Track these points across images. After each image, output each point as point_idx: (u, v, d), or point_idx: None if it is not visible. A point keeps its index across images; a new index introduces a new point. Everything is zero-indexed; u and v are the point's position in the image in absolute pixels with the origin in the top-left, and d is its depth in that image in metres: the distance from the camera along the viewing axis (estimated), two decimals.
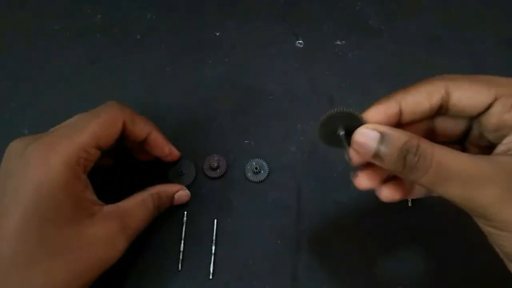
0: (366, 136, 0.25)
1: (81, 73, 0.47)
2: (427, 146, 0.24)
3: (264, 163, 0.42)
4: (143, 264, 0.39)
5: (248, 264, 0.39)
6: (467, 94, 0.26)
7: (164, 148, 0.39)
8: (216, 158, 0.42)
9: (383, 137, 0.25)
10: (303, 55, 0.48)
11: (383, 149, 0.25)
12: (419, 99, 0.27)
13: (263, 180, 0.42)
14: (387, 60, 0.48)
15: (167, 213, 0.41)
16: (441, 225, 0.39)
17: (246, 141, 0.44)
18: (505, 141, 0.25)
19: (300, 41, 0.49)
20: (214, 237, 0.40)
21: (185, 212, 0.41)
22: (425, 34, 0.49)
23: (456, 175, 0.23)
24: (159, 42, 0.49)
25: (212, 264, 0.39)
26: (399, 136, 0.24)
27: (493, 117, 0.26)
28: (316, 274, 0.39)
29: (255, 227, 0.40)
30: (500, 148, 0.25)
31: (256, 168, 0.42)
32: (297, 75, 0.47)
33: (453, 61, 0.48)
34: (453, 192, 0.24)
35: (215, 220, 0.40)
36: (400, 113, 0.27)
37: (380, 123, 0.26)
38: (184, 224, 0.40)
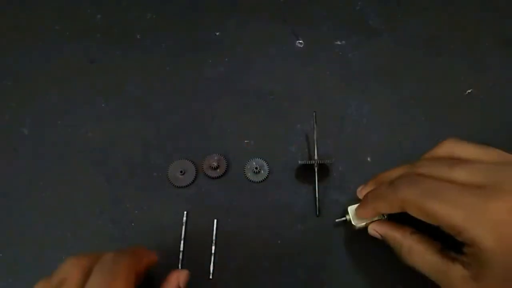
0: (373, 234, 0.36)
1: (81, 73, 0.48)
2: (404, 253, 0.33)
3: (264, 163, 0.42)
4: None
5: (248, 264, 0.39)
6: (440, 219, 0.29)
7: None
8: (216, 158, 0.42)
9: (381, 236, 0.36)
10: (303, 55, 0.48)
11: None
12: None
13: (263, 180, 0.42)
14: (387, 60, 0.48)
15: (167, 213, 0.41)
16: None
17: (246, 141, 0.44)
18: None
19: (300, 41, 0.49)
20: (214, 237, 0.40)
21: (185, 212, 0.41)
22: (425, 34, 0.49)
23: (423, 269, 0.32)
24: (159, 42, 0.49)
25: (212, 264, 0.39)
26: (389, 241, 0.35)
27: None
28: (316, 274, 0.39)
29: (255, 227, 0.40)
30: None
31: (256, 168, 0.42)
32: (297, 75, 0.47)
33: (453, 61, 0.48)
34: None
35: (215, 220, 0.40)
36: None
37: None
38: (184, 224, 0.40)
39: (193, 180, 0.42)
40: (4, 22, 0.51)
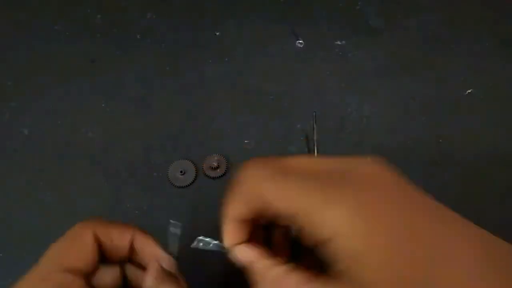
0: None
1: (81, 73, 0.47)
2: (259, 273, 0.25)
3: None
4: None
5: None
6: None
7: (156, 251, 0.29)
8: (216, 158, 0.42)
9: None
10: (303, 55, 0.48)
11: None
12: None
13: None
14: (387, 60, 0.48)
15: (167, 213, 0.41)
16: None
17: (246, 141, 0.44)
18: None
19: (300, 41, 0.49)
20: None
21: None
22: (425, 34, 0.49)
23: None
24: (159, 42, 0.49)
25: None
26: (246, 259, 0.26)
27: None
28: None
29: None
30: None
31: None
32: (297, 75, 0.47)
33: (453, 61, 0.48)
34: None
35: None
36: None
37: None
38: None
39: (193, 180, 0.42)
40: (4, 22, 0.51)
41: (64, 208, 0.42)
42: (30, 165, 0.43)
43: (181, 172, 0.42)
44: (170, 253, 0.29)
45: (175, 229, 0.30)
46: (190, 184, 0.42)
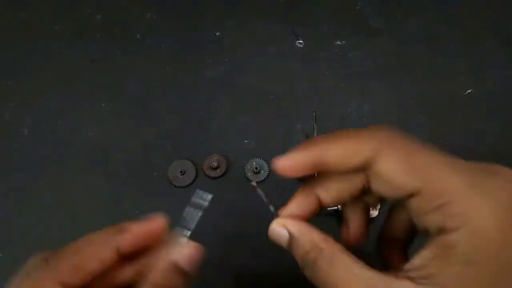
0: (277, 234, 0.27)
1: (81, 73, 0.48)
2: (323, 263, 0.23)
3: (264, 163, 0.42)
4: None
5: (249, 264, 0.39)
6: (392, 172, 0.22)
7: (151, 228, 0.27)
8: (216, 158, 0.42)
9: (291, 239, 0.26)
10: (303, 55, 0.48)
11: (292, 250, 0.26)
12: (343, 156, 0.24)
13: (263, 180, 0.42)
14: (387, 60, 0.48)
15: (167, 213, 0.41)
16: None
17: (246, 141, 0.44)
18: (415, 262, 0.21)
19: (300, 41, 0.49)
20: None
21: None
22: (425, 34, 0.49)
23: None
24: (159, 42, 0.49)
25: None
26: (302, 244, 0.25)
27: (415, 213, 0.23)
28: None
29: (255, 227, 0.40)
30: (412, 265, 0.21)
31: (256, 168, 0.42)
32: (297, 75, 0.47)
33: (453, 61, 0.48)
34: None
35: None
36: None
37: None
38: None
39: (193, 180, 0.42)
40: (4, 22, 0.51)
41: (64, 208, 0.42)
42: (30, 165, 0.43)
43: (181, 172, 0.42)
44: (185, 226, 0.29)
45: (201, 200, 0.29)
46: (190, 184, 0.42)
